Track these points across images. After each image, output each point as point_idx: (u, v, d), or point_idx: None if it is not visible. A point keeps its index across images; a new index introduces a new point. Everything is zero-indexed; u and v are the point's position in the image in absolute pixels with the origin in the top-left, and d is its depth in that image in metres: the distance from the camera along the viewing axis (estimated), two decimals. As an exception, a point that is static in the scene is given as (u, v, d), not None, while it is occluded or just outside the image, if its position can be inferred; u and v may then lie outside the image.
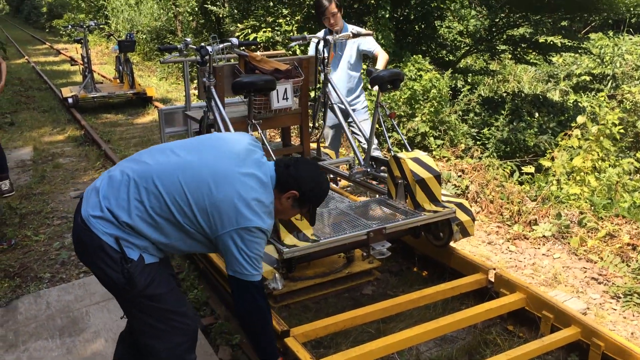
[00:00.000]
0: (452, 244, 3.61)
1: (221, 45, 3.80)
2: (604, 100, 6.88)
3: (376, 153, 4.59)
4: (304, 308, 3.45)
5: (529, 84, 13.21)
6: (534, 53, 10.92)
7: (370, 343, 2.74)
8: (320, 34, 4.69)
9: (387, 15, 7.99)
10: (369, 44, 4.93)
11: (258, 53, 4.18)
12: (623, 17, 13.39)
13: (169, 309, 2.21)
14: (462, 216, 3.50)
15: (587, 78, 13.18)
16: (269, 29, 8.97)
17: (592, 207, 4.72)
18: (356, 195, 4.70)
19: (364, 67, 5.58)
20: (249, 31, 9.16)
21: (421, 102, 7.03)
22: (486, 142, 7.34)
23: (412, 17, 9.36)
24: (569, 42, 10.49)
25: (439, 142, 6.65)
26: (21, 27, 39.65)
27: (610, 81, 12.77)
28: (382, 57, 4.84)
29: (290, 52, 7.24)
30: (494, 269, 3.41)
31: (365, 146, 4.23)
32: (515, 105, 8.74)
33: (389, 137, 5.13)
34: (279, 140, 4.71)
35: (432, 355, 3.03)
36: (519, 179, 5.88)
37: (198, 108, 4.56)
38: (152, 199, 2.07)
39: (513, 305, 3.14)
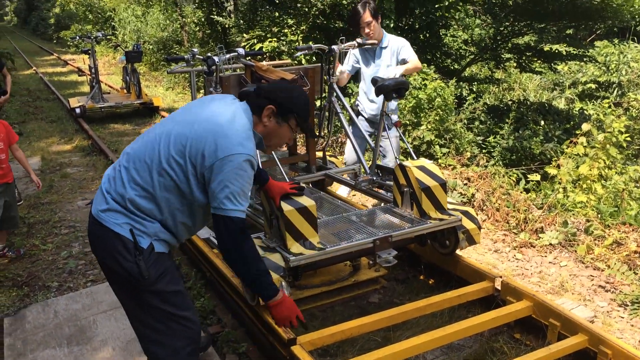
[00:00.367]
0: (458, 252, 3.61)
1: (228, 55, 3.84)
2: (610, 108, 6.88)
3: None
4: (311, 316, 3.46)
5: (534, 92, 13.22)
6: (539, 61, 10.94)
7: (377, 351, 2.74)
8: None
9: (392, 25, 8.04)
10: (407, 52, 4.67)
11: (264, 63, 4.21)
12: (628, 24, 13.39)
13: (173, 312, 2.25)
14: (468, 224, 3.50)
15: (593, 86, 13.18)
16: (275, 39, 9.03)
17: (599, 215, 4.71)
18: (362, 204, 4.70)
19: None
20: (255, 41, 9.22)
21: (426, 111, 7.05)
22: (492, 150, 7.35)
23: (417, 26, 9.41)
24: (574, 50, 10.50)
25: (445, 150, 6.66)
26: (29, 39, 40.02)
27: (616, 89, 12.76)
28: (411, 64, 4.58)
29: (295, 61, 7.28)
30: (501, 277, 3.40)
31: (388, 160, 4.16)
32: (521, 113, 8.75)
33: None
34: (284, 149, 4.73)
35: (439, 364, 3.03)
36: (525, 187, 5.87)
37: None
38: (142, 174, 2.17)
39: (520, 313, 3.13)
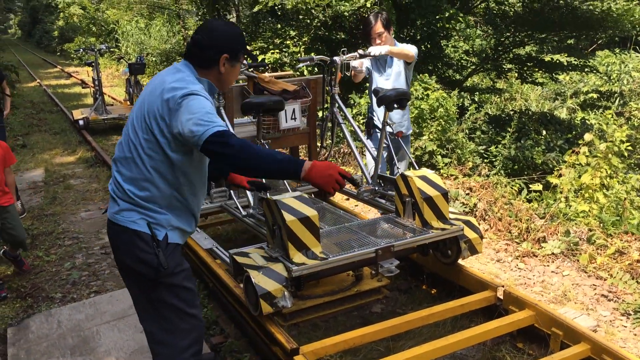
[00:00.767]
0: (460, 261, 3.61)
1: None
2: (612, 117, 6.89)
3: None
4: (313, 326, 3.46)
5: (536, 102, 13.26)
6: (540, 72, 10.97)
7: (380, 361, 2.74)
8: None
9: (393, 36, 8.07)
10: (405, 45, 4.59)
11: (266, 74, 4.25)
12: (629, 34, 13.45)
13: (182, 308, 2.31)
14: (470, 234, 3.51)
15: (595, 95, 13.21)
16: (277, 51, 9.10)
17: (601, 224, 4.71)
18: (364, 214, 4.71)
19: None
20: (257, 53, 9.29)
21: (428, 121, 7.08)
22: (494, 160, 7.36)
23: (419, 37, 9.46)
24: (575, 60, 10.54)
25: (447, 160, 6.68)
26: (33, 51, 40.31)
27: (618, 98, 12.78)
28: (399, 47, 4.51)
29: (298, 73, 7.33)
30: (503, 287, 3.40)
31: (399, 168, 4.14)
32: (522, 123, 8.77)
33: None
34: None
35: (442, 373, 3.02)
36: (527, 197, 5.88)
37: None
38: (131, 168, 2.26)
39: (522, 322, 3.13)
